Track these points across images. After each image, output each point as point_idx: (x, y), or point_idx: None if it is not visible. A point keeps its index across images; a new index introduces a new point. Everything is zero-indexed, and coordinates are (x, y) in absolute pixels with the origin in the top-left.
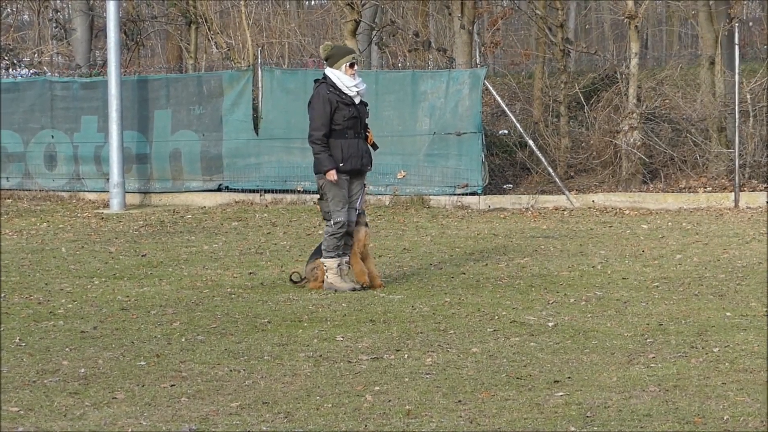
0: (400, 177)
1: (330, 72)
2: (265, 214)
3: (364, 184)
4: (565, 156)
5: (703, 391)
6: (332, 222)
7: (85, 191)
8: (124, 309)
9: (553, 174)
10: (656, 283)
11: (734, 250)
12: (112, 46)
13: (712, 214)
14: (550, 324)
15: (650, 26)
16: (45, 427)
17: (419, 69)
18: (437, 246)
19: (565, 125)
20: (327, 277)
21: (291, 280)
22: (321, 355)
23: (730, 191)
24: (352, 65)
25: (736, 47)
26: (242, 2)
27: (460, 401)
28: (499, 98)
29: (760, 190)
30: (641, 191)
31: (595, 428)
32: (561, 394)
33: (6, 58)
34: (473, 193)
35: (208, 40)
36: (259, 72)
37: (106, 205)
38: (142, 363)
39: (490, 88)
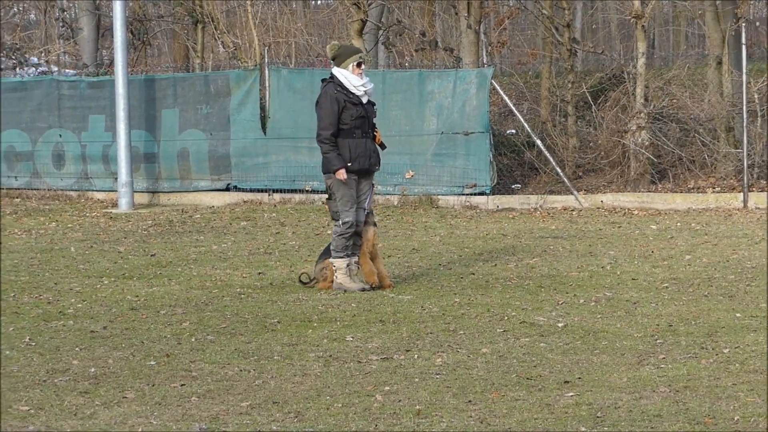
0: (409, 177)
1: (337, 71)
2: (274, 214)
3: (373, 184)
4: (573, 156)
5: (713, 391)
6: (341, 222)
7: (93, 190)
8: (134, 309)
9: (561, 174)
10: (666, 284)
11: (743, 251)
12: (119, 46)
13: (721, 215)
14: (559, 324)
15: (657, 26)
16: (55, 426)
17: (426, 69)
18: (446, 246)
19: (572, 125)
20: (336, 277)
21: (300, 281)
22: (331, 355)
23: (739, 191)
24: (359, 64)
25: (743, 47)
26: (249, 2)
27: (470, 401)
28: (506, 98)
29: None
30: (650, 191)
31: (606, 429)
32: (571, 394)
33: (13, 57)
34: (482, 193)
35: (215, 39)
36: (266, 71)
37: (115, 205)
38: (152, 363)
39: (498, 88)
